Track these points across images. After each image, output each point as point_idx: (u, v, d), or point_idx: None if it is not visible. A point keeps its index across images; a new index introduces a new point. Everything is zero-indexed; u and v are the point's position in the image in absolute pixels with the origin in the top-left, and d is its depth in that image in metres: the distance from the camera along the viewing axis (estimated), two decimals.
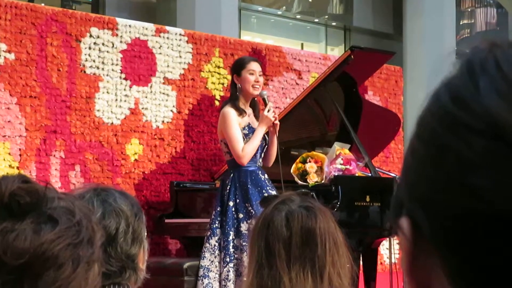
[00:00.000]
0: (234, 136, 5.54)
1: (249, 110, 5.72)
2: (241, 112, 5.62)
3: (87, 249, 1.44)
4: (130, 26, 6.35)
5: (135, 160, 6.31)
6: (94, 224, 1.46)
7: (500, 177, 0.64)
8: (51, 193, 1.43)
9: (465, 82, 0.68)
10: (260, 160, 5.67)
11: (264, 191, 5.44)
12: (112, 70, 6.21)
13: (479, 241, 0.65)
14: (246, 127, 5.62)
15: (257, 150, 5.61)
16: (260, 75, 5.72)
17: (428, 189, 0.68)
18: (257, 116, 5.74)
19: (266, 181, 5.55)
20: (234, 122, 5.56)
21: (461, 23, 14.24)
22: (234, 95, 5.67)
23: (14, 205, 1.39)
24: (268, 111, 5.55)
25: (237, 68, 5.70)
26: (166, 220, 6.06)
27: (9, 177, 1.42)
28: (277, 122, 5.60)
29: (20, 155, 5.71)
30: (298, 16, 12.79)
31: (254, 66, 5.70)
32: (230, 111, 5.58)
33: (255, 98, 5.77)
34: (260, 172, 5.59)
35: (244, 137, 5.59)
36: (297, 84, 7.31)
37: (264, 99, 5.64)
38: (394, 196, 0.74)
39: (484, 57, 0.68)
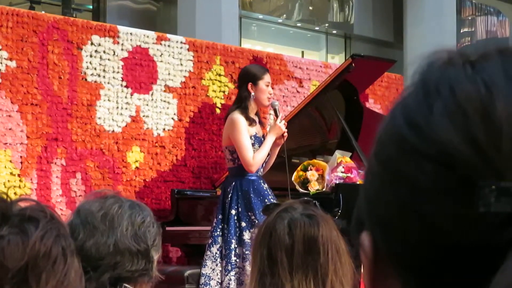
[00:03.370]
0: (244, 143, 5.53)
1: (257, 119, 5.74)
2: (251, 122, 5.63)
3: (69, 240, 1.47)
4: (131, 34, 6.35)
5: (136, 167, 6.31)
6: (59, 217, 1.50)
7: (449, 206, 0.63)
8: (9, 198, 1.45)
9: (420, 105, 0.67)
10: (261, 170, 5.67)
11: (266, 200, 5.44)
12: (113, 78, 6.21)
13: (431, 268, 0.64)
14: (253, 137, 5.62)
15: None
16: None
17: (385, 211, 0.67)
18: (260, 125, 5.78)
19: (268, 190, 5.56)
20: (244, 129, 5.55)
21: (461, 31, 14.23)
22: (245, 103, 5.66)
23: None
24: (281, 121, 5.58)
25: (254, 78, 5.69)
26: (167, 228, 6.05)
27: None
28: (286, 134, 5.61)
29: (21, 162, 5.71)
30: (299, 24, 12.78)
31: (269, 78, 5.76)
32: (240, 118, 5.57)
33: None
34: (261, 181, 5.59)
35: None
36: (298, 92, 7.30)
37: (275, 110, 5.66)
38: (355, 209, 0.73)
39: (439, 78, 0.67)
